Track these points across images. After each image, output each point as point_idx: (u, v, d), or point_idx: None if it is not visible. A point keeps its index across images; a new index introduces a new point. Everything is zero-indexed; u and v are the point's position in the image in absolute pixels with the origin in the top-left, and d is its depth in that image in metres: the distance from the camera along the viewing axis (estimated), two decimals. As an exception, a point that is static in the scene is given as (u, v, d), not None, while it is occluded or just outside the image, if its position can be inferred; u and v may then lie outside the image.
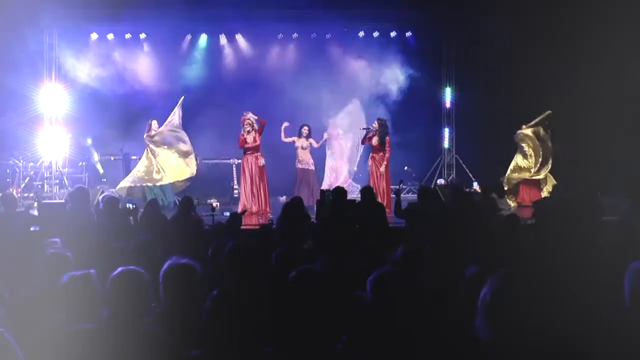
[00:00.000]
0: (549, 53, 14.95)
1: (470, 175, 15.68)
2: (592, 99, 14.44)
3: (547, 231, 6.59)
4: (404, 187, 10.58)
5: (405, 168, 14.41)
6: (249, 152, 13.23)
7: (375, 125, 13.63)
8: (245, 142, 13.14)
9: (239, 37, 17.00)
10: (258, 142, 13.23)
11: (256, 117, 13.23)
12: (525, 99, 14.98)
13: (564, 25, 14.27)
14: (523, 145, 14.23)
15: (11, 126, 14.77)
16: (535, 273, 3.52)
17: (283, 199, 14.24)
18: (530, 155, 14.16)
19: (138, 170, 14.01)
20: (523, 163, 14.23)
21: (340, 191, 9.03)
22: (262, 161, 13.26)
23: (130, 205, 9.04)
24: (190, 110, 15.61)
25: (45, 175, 15.21)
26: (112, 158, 15.89)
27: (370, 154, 13.83)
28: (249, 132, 13.14)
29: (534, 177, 14.09)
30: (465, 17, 15.56)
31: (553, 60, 14.86)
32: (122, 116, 15.55)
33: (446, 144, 17.62)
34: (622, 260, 3.83)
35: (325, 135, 14.77)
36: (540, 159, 14.07)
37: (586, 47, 14.28)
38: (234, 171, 15.18)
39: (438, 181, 16.66)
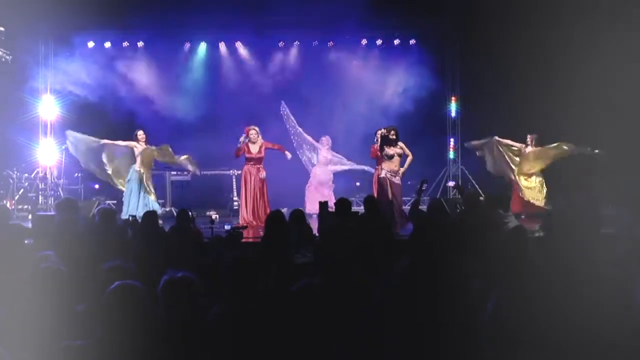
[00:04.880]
0: (556, 61, 14.95)
1: (477, 186, 15.66)
2: (601, 107, 14.44)
3: (554, 244, 6.58)
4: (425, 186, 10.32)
5: (408, 182, 14.30)
6: (251, 163, 13.20)
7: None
8: (249, 152, 13.10)
9: (239, 45, 17.05)
10: (262, 155, 13.22)
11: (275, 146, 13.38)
12: (532, 108, 14.98)
13: (570, 34, 14.28)
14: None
15: (5, 137, 14.78)
16: (541, 287, 3.52)
17: (285, 210, 14.20)
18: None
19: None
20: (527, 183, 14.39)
21: (343, 202, 9.01)
22: (263, 173, 13.24)
23: (131, 217, 9.05)
24: (189, 120, 15.64)
25: (40, 186, 15.18)
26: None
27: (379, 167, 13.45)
28: (253, 142, 13.13)
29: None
30: (470, 25, 15.59)
31: (560, 69, 14.85)
32: (119, 126, 15.54)
33: (451, 155, 17.64)
34: (629, 273, 3.84)
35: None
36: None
37: (593, 56, 14.28)
38: (234, 182, 15.19)
39: (448, 183, 16.69)
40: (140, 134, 13.72)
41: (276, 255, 6.47)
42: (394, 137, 12.42)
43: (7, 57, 13.65)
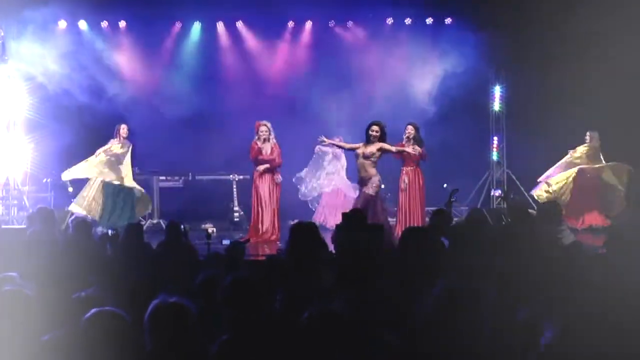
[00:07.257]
0: (621, 50, 14.84)
1: (525, 194, 15.60)
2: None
3: (622, 263, 6.56)
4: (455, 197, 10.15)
5: (445, 185, 14.23)
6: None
7: (412, 130, 13.18)
8: (260, 153, 13.16)
9: (240, 26, 17.07)
10: (274, 157, 13.26)
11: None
12: (593, 99, 14.92)
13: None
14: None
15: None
16: (608, 318, 3.50)
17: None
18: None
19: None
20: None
21: (358, 214, 9.02)
22: (278, 178, 13.29)
23: (110, 231, 9.12)
24: (180, 116, 15.64)
25: (1, 194, 15.21)
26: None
27: (404, 168, 13.37)
28: (265, 140, 13.15)
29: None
30: (519, 2, 15.50)
31: (624, 59, 14.75)
32: (95, 121, 15.55)
33: (495, 156, 17.57)
34: None
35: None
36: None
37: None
38: (234, 189, 15.18)
39: (493, 192, 16.66)
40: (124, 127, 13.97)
41: (292, 276, 6.47)
42: (375, 133, 12.04)
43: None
